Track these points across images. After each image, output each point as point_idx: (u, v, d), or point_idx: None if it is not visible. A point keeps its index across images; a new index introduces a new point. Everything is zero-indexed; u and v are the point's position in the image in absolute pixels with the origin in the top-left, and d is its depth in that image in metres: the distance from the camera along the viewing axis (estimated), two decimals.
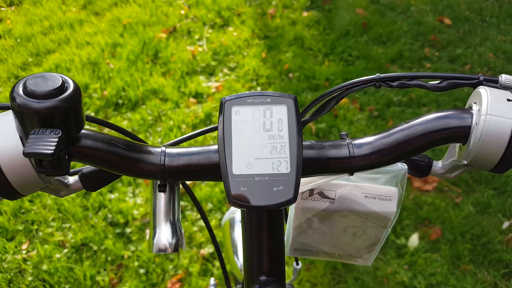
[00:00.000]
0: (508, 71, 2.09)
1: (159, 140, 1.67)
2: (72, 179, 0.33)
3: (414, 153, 0.29)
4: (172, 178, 0.31)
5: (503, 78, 0.31)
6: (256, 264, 0.29)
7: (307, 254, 0.38)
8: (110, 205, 1.43)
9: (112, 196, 1.46)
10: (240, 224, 0.72)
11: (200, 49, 2.14)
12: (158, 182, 0.32)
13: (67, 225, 1.38)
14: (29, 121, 0.24)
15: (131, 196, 1.48)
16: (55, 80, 0.24)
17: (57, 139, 0.23)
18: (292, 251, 0.38)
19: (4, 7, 2.43)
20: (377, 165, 0.29)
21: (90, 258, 1.29)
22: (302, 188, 0.32)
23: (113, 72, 1.93)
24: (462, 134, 0.27)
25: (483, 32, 2.38)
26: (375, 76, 0.33)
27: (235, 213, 0.77)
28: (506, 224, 1.46)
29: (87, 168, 0.33)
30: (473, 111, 0.27)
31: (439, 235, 1.41)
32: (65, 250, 1.31)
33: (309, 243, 0.37)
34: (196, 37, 2.24)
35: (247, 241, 0.30)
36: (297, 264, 0.55)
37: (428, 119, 0.29)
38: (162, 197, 0.34)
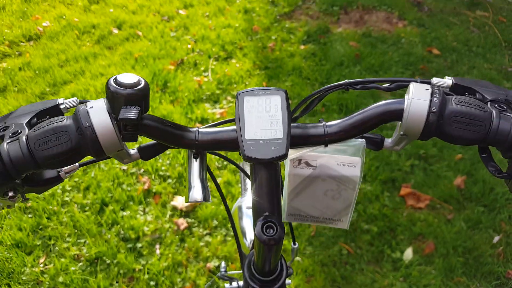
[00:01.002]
0: None
1: (168, 162, 1.82)
2: (132, 151, 0.46)
3: (369, 129, 0.43)
4: (203, 149, 0.44)
5: (434, 80, 0.45)
6: (261, 205, 0.42)
7: (298, 219, 0.51)
8: (122, 221, 1.55)
9: (125, 213, 1.58)
10: (245, 210, 0.85)
11: (205, 79, 2.35)
12: (193, 152, 0.46)
13: (82, 240, 1.49)
14: (118, 101, 0.38)
15: (142, 214, 1.60)
16: (134, 78, 0.39)
17: (138, 112, 0.37)
18: (287, 217, 0.51)
19: (23, 42, 2.67)
20: (343, 139, 0.43)
21: (104, 271, 1.40)
22: (292, 157, 0.46)
23: None
24: (398, 113, 0.41)
25: (470, 61, 2.60)
26: (344, 81, 0.48)
27: (242, 202, 0.90)
28: (496, 239, 1.57)
29: (143, 144, 0.47)
30: (405, 99, 0.41)
31: (433, 249, 1.52)
32: (80, 264, 1.41)
33: (300, 208, 0.50)
34: (202, 68, 2.45)
35: (255, 189, 0.42)
36: (294, 244, 0.67)
37: (377, 105, 0.42)
38: (195, 163, 0.47)
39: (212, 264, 1.42)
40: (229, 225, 1.55)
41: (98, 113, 0.38)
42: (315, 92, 0.48)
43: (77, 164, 0.45)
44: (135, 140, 0.40)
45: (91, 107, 0.38)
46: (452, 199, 1.70)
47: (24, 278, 1.37)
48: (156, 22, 2.89)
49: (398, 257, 1.48)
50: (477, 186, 1.74)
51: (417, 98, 0.39)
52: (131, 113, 0.37)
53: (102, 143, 0.38)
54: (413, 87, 0.40)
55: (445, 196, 1.70)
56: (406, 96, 0.41)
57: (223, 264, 0.86)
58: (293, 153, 0.46)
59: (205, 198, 0.46)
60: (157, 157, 1.83)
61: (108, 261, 1.42)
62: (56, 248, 1.46)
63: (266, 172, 0.41)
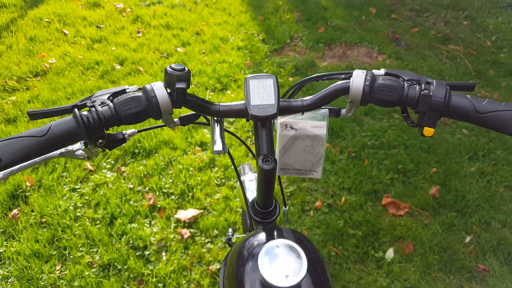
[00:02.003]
0: None
1: (171, 180, 2.06)
2: (175, 119, 0.68)
3: (330, 101, 0.67)
4: (223, 116, 0.68)
5: (372, 70, 0.72)
6: (261, 148, 0.67)
7: (287, 173, 0.76)
8: (131, 232, 1.76)
9: (133, 225, 1.80)
10: (248, 182, 1.10)
11: None
12: (215, 118, 0.69)
13: (95, 249, 1.70)
14: (173, 79, 0.60)
15: (148, 226, 1.82)
16: (182, 66, 0.63)
17: (186, 85, 0.60)
18: (279, 171, 0.76)
19: (30, 77, 2.98)
20: (313, 109, 0.69)
21: (116, 275, 1.59)
22: (281, 121, 0.72)
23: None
24: (347, 88, 0.65)
25: None
26: (314, 75, 0.75)
27: (245, 177, 1.15)
28: (468, 239, 1.82)
29: (182, 115, 0.72)
30: (350, 80, 0.66)
31: (412, 250, 1.76)
32: (94, 269, 1.61)
33: (287, 163, 0.75)
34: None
35: (257, 140, 0.67)
36: (285, 207, 0.92)
37: (334, 85, 0.66)
38: (216, 127, 0.69)
39: (214, 267, 1.64)
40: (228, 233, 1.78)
41: (159, 88, 0.62)
42: (296, 84, 0.76)
43: (135, 130, 0.71)
44: (180, 107, 0.64)
45: (154, 85, 0.62)
46: (428, 206, 1.96)
47: (42, 283, 1.56)
48: (156, 58, 3.25)
49: (381, 256, 1.72)
50: (450, 195, 2.01)
51: (357, 77, 0.64)
52: (182, 85, 0.61)
53: (161, 106, 0.61)
54: (355, 72, 0.66)
55: (422, 204, 1.97)
56: (351, 79, 0.66)
57: (230, 230, 1.10)
58: (281, 119, 0.73)
59: (224, 149, 0.70)
60: (161, 176, 2.08)
61: (119, 267, 1.62)
62: (71, 256, 1.66)
63: (265, 128, 0.67)
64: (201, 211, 1.89)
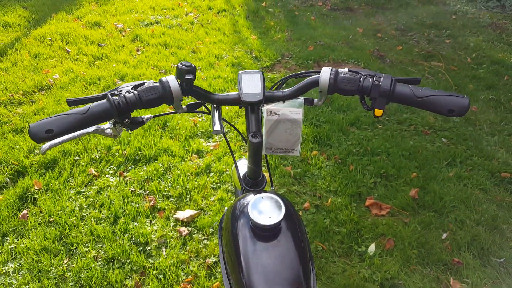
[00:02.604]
0: (445, 129, 2.85)
1: (170, 184, 2.24)
2: (184, 106, 0.88)
3: (305, 91, 0.87)
4: (220, 104, 0.87)
5: (338, 69, 0.94)
6: (251, 127, 0.86)
7: (273, 151, 0.94)
8: (133, 230, 1.93)
9: (135, 224, 1.97)
10: (242, 166, 1.29)
11: (199, 119, 2.86)
12: (215, 106, 0.89)
13: (100, 245, 1.86)
14: (183, 72, 0.80)
15: (149, 225, 1.99)
16: (189, 63, 0.82)
17: (193, 76, 0.80)
18: (266, 150, 0.95)
19: (36, 92, 3.18)
20: (292, 98, 0.89)
21: (119, 268, 1.75)
22: (266, 108, 0.90)
23: (131, 136, 2.59)
24: (317, 81, 0.85)
25: None
26: (294, 73, 0.95)
27: (240, 161, 1.34)
28: (444, 235, 2.00)
29: (189, 103, 0.92)
30: (320, 75, 0.88)
31: (393, 245, 1.94)
32: (99, 262, 1.77)
33: (272, 143, 0.93)
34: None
35: (247, 123, 0.86)
36: (272, 187, 1.11)
37: (308, 79, 0.87)
38: (216, 113, 0.88)
39: (210, 260, 1.80)
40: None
41: (172, 80, 0.82)
42: (279, 81, 0.97)
43: (151, 115, 0.91)
44: (188, 95, 0.84)
45: (168, 78, 0.82)
46: (408, 207, 2.16)
47: (51, 275, 1.71)
48: (155, 74, 3.48)
49: (364, 251, 1.90)
50: (428, 196, 2.21)
51: (324, 73, 0.85)
52: (190, 76, 0.81)
53: (173, 94, 0.81)
54: (323, 69, 0.87)
55: (403, 205, 2.16)
56: (320, 74, 0.87)
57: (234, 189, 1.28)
58: (267, 106, 0.93)
59: (221, 130, 0.88)
60: (160, 180, 2.26)
61: (123, 260, 1.78)
62: (78, 251, 1.82)
63: (254, 112, 0.87)
64: (198, 211, 2.06)
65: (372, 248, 1.91)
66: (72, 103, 0.82)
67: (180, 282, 1.71)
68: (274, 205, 0.77)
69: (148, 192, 2.19)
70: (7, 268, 1.75)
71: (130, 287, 1.68)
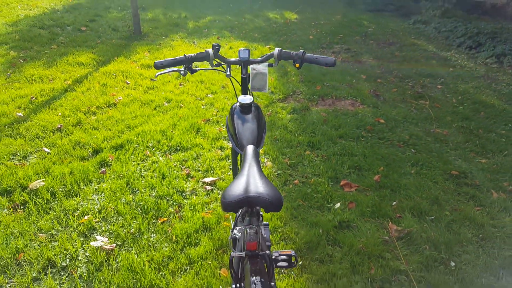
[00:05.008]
0: (416, 144, 3.79)
1: (199, 164, 3.30)
2: (214, 64, 2.13)
3: (268, 59, 1.89)
4: (231, 63, 1.95)
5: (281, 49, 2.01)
6: (243, 75, 1.95)
7: (255, 90, 1.99)
8: (175, 184, 2.97)
9: (176, 181, 3.01)
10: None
11: (223, 129, 3.98)
12: (228, 65, 1.97)
13: (154, 190, 2.90)
14: (214, 46, 1.90)
15: (185, 183, 3.02)
16: (217, 43, 1.92)
17: (219, 47, 1.90)
18: (252, 89, 1.99)
19: (104, 107, 4.45)
20: (262, 62, 1.91)
21: (166, 201, 2.77)
22: (251, 67, 1.90)
23: (174, 136, 3.73)
24: (273, 55, 1.90)
25: (405, 126, 4.20)
26: (266, 54, 2.04)
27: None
28: (394, 203, 2.89)
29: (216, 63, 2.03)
30: (275, 51, 1.95)
31: (354, 206, 2.84)
32: (152, 198, 2.80)
33: (254, 85, 1.92)
34: (221, 123, 4.11)
35: (242, 79, 1.96)
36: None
37: (269, 53, 1.93)
38: (228, 68, 1.96)
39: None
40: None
41: (210, 50, 1.91)
42: (262, 57, 2.06)
43: (200, 68, 2.01)
44: (216, 57, 1.93)
45: (209, 50, 1.92)
46: (371, 186, 3.07)
47: (122, 201, 2.75)
48: (193, 100, 4.71)
49: (331, 206, 2.81)
50: (388, 180, 3.13)
51: (276, 51, 1.91)
52: (217, 46, 1.91)
53: (210, 55, 1.90)
54: (276, 49, 1.95)
55: (368, 185, 3.08)
56: (274, 51, 1.94)
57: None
58: (251, 66, 1.99)
59: (230, 75, 1.98)
60: (192, 159, 3.34)
61: (168, 198, 2.81)
62: (139, 192, 2.87)
63: (244, 67, 1.95)
64: (218, 178, 3.08)
65: (337, 205, 2.83)
66: (158, 66, 1.94)
67: (203, 212, 2.69)
68: (248, 98, 1.82)
69: (185, 167, 3.26)
70: (92, 198, 2.82)
71: (172, 212, 2.68)
